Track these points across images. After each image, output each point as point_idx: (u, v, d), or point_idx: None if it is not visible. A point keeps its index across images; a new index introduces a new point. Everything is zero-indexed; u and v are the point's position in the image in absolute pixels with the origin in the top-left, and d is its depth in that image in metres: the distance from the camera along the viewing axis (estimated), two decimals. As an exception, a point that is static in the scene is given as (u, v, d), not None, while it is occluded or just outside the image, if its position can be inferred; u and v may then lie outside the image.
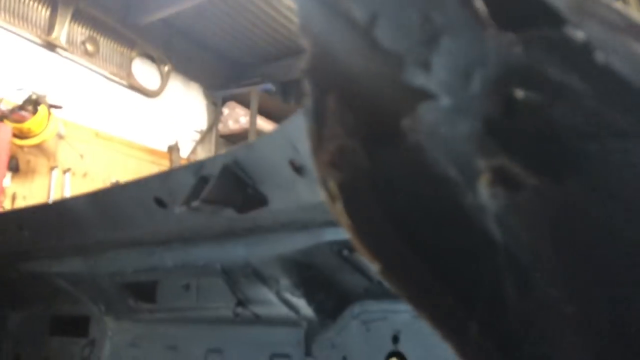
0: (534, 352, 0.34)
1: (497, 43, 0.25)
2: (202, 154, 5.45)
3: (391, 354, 0.95)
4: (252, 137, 5.00)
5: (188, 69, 5.26)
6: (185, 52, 5.22)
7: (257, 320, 1.14)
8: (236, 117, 5.21)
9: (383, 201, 0.31)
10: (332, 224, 0.81)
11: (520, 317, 0.33)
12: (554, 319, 0.33)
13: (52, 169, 3.94)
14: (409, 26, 0.26)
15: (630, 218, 0.28)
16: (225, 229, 0.97)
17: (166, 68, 5.02)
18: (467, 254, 0.32)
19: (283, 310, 1.07)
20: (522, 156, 0.28)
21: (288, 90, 5.49)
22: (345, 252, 0.87)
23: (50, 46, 4.08)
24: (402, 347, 0.93)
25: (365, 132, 0.30)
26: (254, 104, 4.99)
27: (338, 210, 0.30)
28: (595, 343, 0.33)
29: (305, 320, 1.07)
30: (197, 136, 5.36)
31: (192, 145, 5.31)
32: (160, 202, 0.93)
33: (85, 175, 4.29)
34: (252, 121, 4.98)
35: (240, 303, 1.13)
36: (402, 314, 0.93)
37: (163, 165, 4.97)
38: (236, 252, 1.03)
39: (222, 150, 5.49)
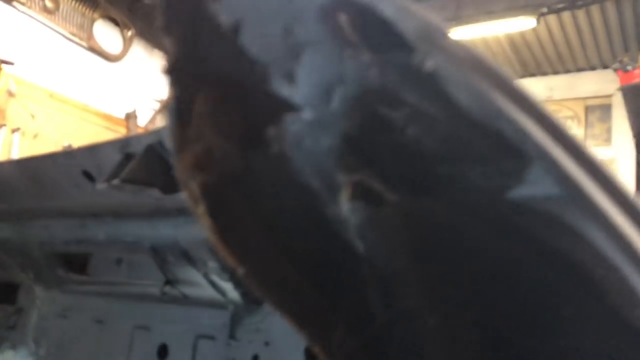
0: (399, 356, 0.35)
1: (356, 63, 0.26)
2: (161, 124, 5.36)
3: (311, 343, 0.97)
4: (213, 112, 4.95)
5: (152, 35, 5.14)
6: (150, 17, 5.09)
7: (185, 300, 1.14)
8: (198, 90, 5.15)
9: (251, 206, 0.31)
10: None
11: (385, 325, 0.34)
12: (417, 329, 0.34)
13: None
14: (272, 36, 0.26)
15: (487, 236, 0.29)
16: (154, 208, 0.95)
17: (129, 33, 4.89)
18: (333, 262, 0.33)
19: (210, 292, 1.07)
20: (382, 173, 0.28)
21: (253, 67, 5.44)
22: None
23: (6, -1, 3.92)
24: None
25: (238, 134, 0.30)
26: (218, 78, 4.93)
27: (200, 212, 0.30)
28: (461, 355, 0.34)
29: (232, 304, 1.07)
30: (157, 105, 5.26)
31: (151, 114, 5.21)
32: (88, 176, 0.91)
33: (36, 136, 4.16)
34: (214, 95, 4.93)
35: (169, 282, 1.12)
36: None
37: (119, 132, 4.87)
38: (165, 232, 1.02)
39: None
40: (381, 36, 0.25)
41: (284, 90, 0.28)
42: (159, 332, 1.18)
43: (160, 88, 5.33)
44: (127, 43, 4.91)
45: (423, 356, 0.35)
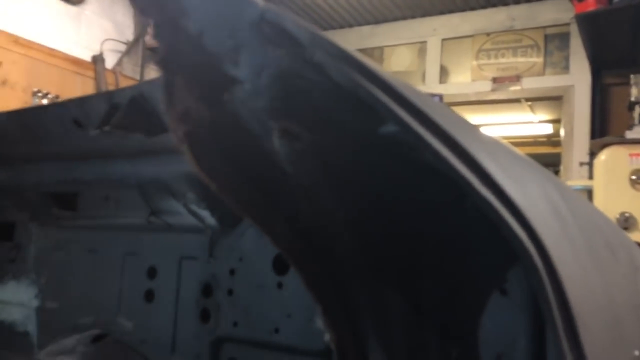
0: (322, 243, 0.54)
1: (274, 55, 0.42)
2: (128, 66, 5.36)
3: (278, 255, 1.16)
4: (180, 52, 4.94)
5: (113, -25, 5.06)
6: (110, -43, 5.00)
7: (168, 227, 1.32)
8: (164, 30, 5.11)
9: (217, 144, 0.49)
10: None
11: (310, 217, 0.52)
12: (333, 221, 0.52)
13: (-33, 75, 3.82)
14: (223, 39, 0.43)
15: (366, 155, 0.47)
16: (137, 150, 1.11)
17: (90, -27, 4.81)
18: (272, 178, 0.51)
19: (190, 220, 1.25)
20: (297, 121, 0.46)
21: (219, 5, 5.40)
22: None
23: (-39, -58, 3.83)
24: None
25: (205, 98, 0.47)
26: (183, 18, 4.91)
27: (185, 149, 0.47)
28: (363, 237, 0.52)
29: (210, 228, 1.25)
30: (123, 48, 5.24)
31: (117, 56, 5.20)
32: (78, 123, 1.06)
33: (4, 82, 4.17)
34: (181, 35, 4.91)
35: (153, 213, 1.30)
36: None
37: (87, 76, 4.88)
38: (148, 169, 1.18)
39: (151, 64, 5.41)
40: (288, 39, 0.41)
41: (232, 71, 0.44)
42: (147, 256, 1.37)
43: (124, 30, 5.29)
44: (88, -16, 4.83)
45: (338, 240, 0.53)
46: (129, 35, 5.31)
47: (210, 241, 1.25)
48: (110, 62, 5.04)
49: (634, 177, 3.55)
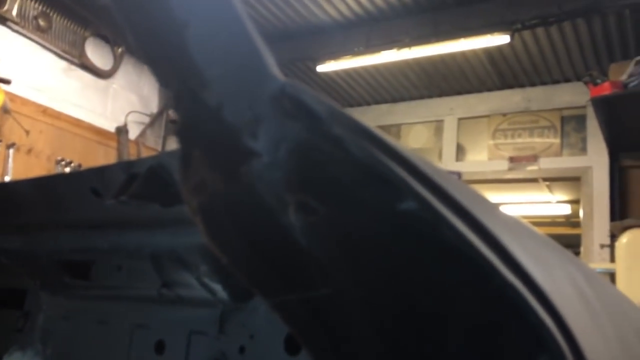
0: (336, 323, 0.51)
1: (293, 128, 0.42)
2: (151, 138, 5.49)
3: (290, 335, 1.12)
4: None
5: (142, 52, 5.27)
6: (140, 35, 5.23)
7: (179, 300, 1.29)
8: (187, 104, 5.28)
9: (231, 217, 0.48)
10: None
11: (325, 296, 0.50)
12: (348, 300, 0.50)
13: (-5, 143, 3.93)
14: (242, 111, 0.43)
15: (388, 236, 0.46)
16: (153, 220, 1.11)
17: (120, 49, 5.03)
18: (286, 253, 0.49)
19: (202, 293, 1.23)
20: (315, 194, 0.45)
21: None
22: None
23: (1, 19, 4.06)
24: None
25: (221, 170, 0.46)
26: (206, 93, 5.07)
27: (198, 221, 0.46)
28: (379, 318, 0.50)
29: (221, 303, 1.22)
30: (147, 120, 5.39)
31: (141, 128, 5.34)
32: (96, 192, 1.06)
33: (29, 151, 4.29)
34: (203, 110, 5.06)
35: (165, 285, 1.28)
36: (301, 300, 1.10)
37: (111, 146, 5.00)
38: (163, 240, 1.17)
39: (173, 136, 5.54)
40: (306, 113, 0.41)
41: (250, 143, 0.44)
42: (156, 329, 1.33)
43: (148, 103, 5.47)
44: (117, 59, 5.05)
45: (354, 321, 0.51)
46: (154, 107, 5.49)
47: (221, 316, 1.22)
48: (133, 133, 5.18)
49: (657, 261, 3.46)
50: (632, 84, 4.09)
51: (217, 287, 1.19)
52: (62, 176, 1.14)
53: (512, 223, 0.55)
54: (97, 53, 4.87)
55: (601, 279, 0.82)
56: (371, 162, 0.41)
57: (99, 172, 1.03)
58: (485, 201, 0.50)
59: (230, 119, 0.43)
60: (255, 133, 0.44)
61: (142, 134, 5.28)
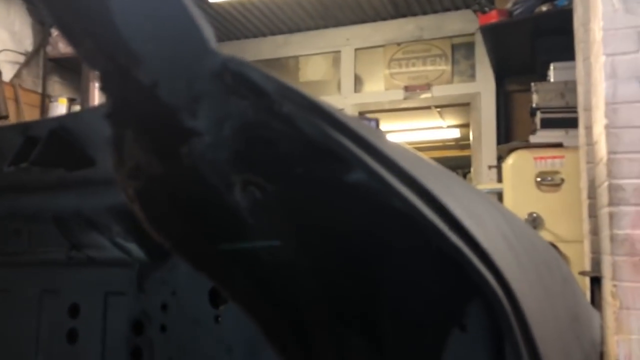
0: (283, 292, 0.51)
1: (237, 106, 0.39)
2: (28, 79, 5.03)
3: (214, 288, 1.11)
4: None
5: (9, -17, 4.73)
6: (4, -37, 4.67)
7: (91, 262, 1.22)
8: (68, 41, 4.83)
9: (171, 200, 0.44)
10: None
11: (272, 268, 0.49)
12: (296, 271, 0.49)
13: None
14: (180, 89, 0.39)
15: (331, 204, 0.45)
16: (56, 183, 1.02)
17: (-19, -20, 4.47)
18: (232, 233, 0.47)
19: (116, 253, 1.17)
20: (261, 173, 0.43)
21: (126, 14, 5.18)
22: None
23: None
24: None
25: (158, 152, 0.43)
26: (89, 28, 4.66)
27: (136, 208, 0.43)
28: (327, 284, 0.50)
29: (137, 262, 1.18)
30: (22, 59, 4.91)
31: (15, 68, 4.86)
32: (-13, 157, 0.95)
33: None
34: (87, 46, 4.67)
35: (74, 247, 1.20)
36: (223, 253, 1.09)
37: (-17, 90, 4.52)
38: (68, 202, 1.09)
39: (53, 77, 5.10)
40: (253, 90, 0.38)
41: (189, 123, 0.41)
42: (68, 293, 1.26)
43: (22, 40, 4.97)
44: (-20, -9, 4.48)
45: (300, 288, 0.51)
46: (28, 45, 4.98)
47: (138, 275, 1.18)
48: (7, 75, 4.70)
49: (539, 179, 3.78)
50: (516, 12, 4.29)
51: (132, 247, 1.14)
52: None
53: (447, 177, 0.57)
54: (-47, -16, 4.29)
55: (514, 217, 0.88)
56: (322, 138, 0.39)
57: (-11, 135, 0.92)
58: (428, 165, 0.51)
59: (166, 98, 0.39)
60: (195, 111, 0.40)
61: (18, 75, 4.80)
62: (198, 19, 0.37)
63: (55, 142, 0.82)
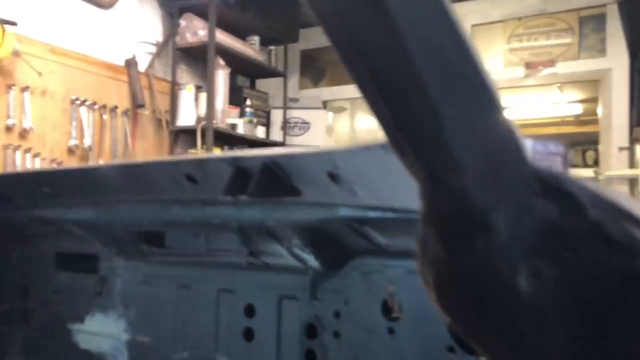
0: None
1: (542, 208, 0.42)
2: (159, 68, 5.36)
3: (385, 301, 1.16)
4: (211, 51, 4.92)
5: (141, -22, 5.03)
6: (138, -41, 4.97)
7: (266, 267, 1.32)
8: (194, 30, 5.09)
9: (461, 286, 0.48)
10: (347, 204, 0.97)
11: (535, 346, 0.51)
12: (556, 348, 0.51)
13: (9, 87, 3.85)
14: (489, 191, 0.42)
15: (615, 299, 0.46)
16: (245, 201, 1.11)
17: (118, -23, 4.79)
18: (506, 314, 0.50)
19: (290, 261, 1.25)
20: (552, 261, 0.45)
21: (247, 1, 5.36)
22: (355, 225, 1.04)
23: (-2, -43, 3.84)
24: (396, 295, 1.14)
25: (458, 244, 0.47)
26: (212, 16, 4.87)
27: (430, 291, 0.47)
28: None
29: (311, 270, 1.26)
30: (154, 49, 5.24)
31: (149, 59, 5.20)
32: (191, 179, 1.06)
33: (44, 92, 4.21)
34: (211, 34, 4.89)
35: (252, 254, 1.30)
36: (396, 269, 1.13)
37: (122, 80, 4.90)
38: (252, 215, 1.18)
39: (181, 65, 5.41)
40: (563, 196, 0.41)
41: (490, 218, 0.44)
42: (244, 294, 1.38)
43: (154, 31, 5.29)
44: (117, -13, 4.82)
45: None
46: (159, 36, 5.30)
47: (311, 282, 1.26)
48: (142, 65, 5.05)
49: (683, 166, 3.49)
50: (660, -17, 3.92)
51: (309, 257, 1.22)
52: (152, 164, 1.13)
53: None
54: (95, -19, 4.64)
55: None
56: (628, 241, 0.41)
57: (197, 163, 1.02)
58: None
59: (473, 199, 0.43)
60: (497, 209, 0.43)
61: (151, 65, 5.14)
62: (517, 132, 0.40)
63: (268, 175, 0.89)
